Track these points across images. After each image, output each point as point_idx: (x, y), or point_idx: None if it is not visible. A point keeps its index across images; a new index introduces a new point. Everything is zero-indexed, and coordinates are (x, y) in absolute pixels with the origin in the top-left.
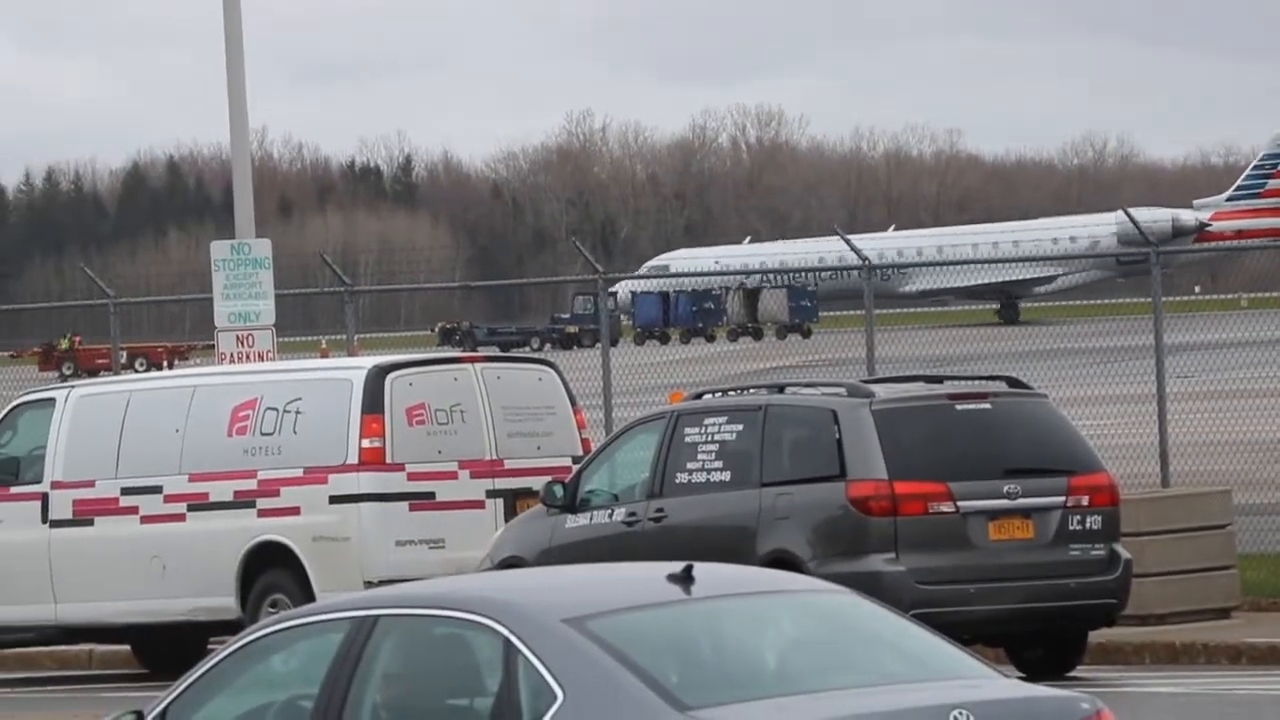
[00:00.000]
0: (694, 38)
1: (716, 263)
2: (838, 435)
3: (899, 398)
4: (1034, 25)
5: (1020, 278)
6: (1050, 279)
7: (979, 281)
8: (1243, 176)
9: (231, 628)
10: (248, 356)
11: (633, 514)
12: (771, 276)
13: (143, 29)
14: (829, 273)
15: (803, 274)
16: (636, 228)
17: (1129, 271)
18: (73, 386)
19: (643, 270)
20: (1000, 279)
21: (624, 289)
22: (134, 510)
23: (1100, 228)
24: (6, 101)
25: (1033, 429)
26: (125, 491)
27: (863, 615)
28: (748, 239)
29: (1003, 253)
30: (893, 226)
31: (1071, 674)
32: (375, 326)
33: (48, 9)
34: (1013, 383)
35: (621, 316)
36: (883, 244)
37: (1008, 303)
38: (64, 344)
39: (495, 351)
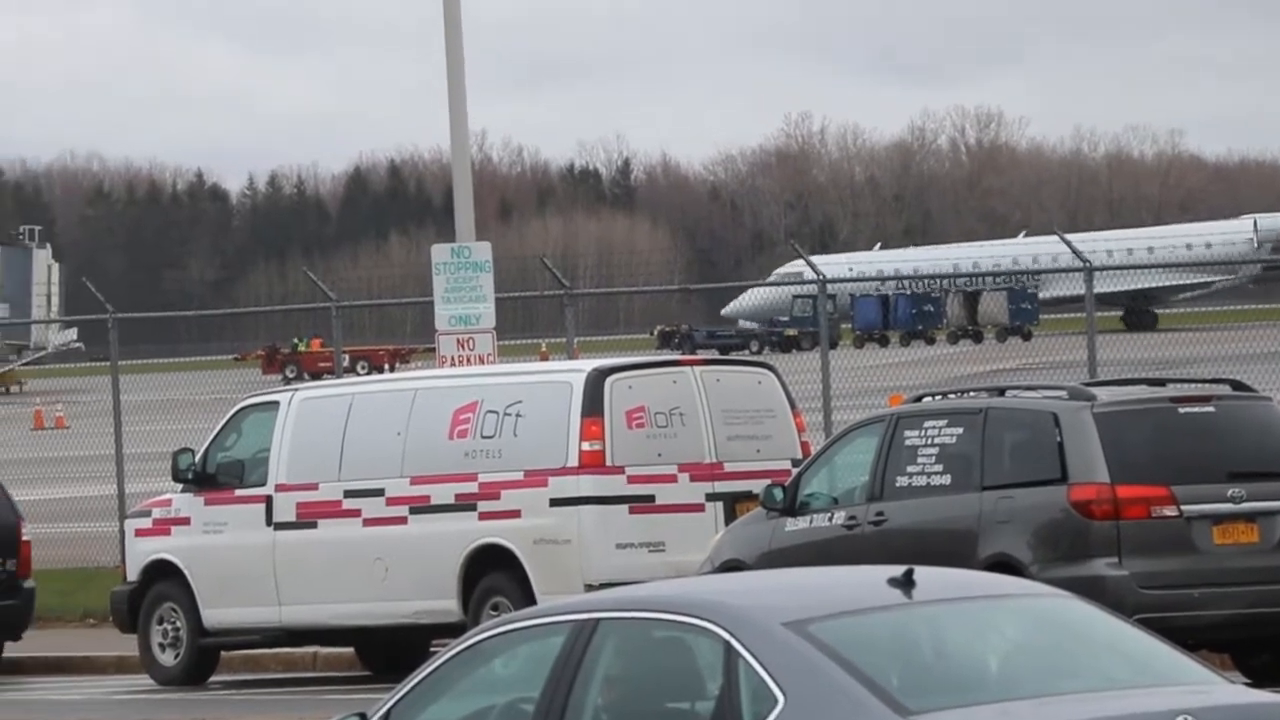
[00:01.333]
0: (913, 38)
1: (850, 269)
2: (1059, 438)
3: (1121, 400)
4: (1257, 23)
5: (1170, 283)
6: (1206, 284)
7: (1118, 288)
8: None
9: (453, 630)
10: (468, 360)
11: (852, 517)
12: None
13: (363, 33)
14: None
15: (964, 278)
16: (855, 230)
17: (1264, 278)
18: (296, 389)
19: (773, 277)
20: (1142, 285)
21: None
22: (357, 513)
23: (1238, 234)
24: (230, 107)
25: (1257, 432)
26: (348, 494)
27: (1085, 620)
28: (878, 245)
29: (1137, 259)
30: (1023, 232)
31: None
32: (595, 329)
33: (269, 14)
34: (1236, 385)
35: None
36: (1017, 250)
37: (1139, 310)
38: (300, 346)
39: (714, 354)
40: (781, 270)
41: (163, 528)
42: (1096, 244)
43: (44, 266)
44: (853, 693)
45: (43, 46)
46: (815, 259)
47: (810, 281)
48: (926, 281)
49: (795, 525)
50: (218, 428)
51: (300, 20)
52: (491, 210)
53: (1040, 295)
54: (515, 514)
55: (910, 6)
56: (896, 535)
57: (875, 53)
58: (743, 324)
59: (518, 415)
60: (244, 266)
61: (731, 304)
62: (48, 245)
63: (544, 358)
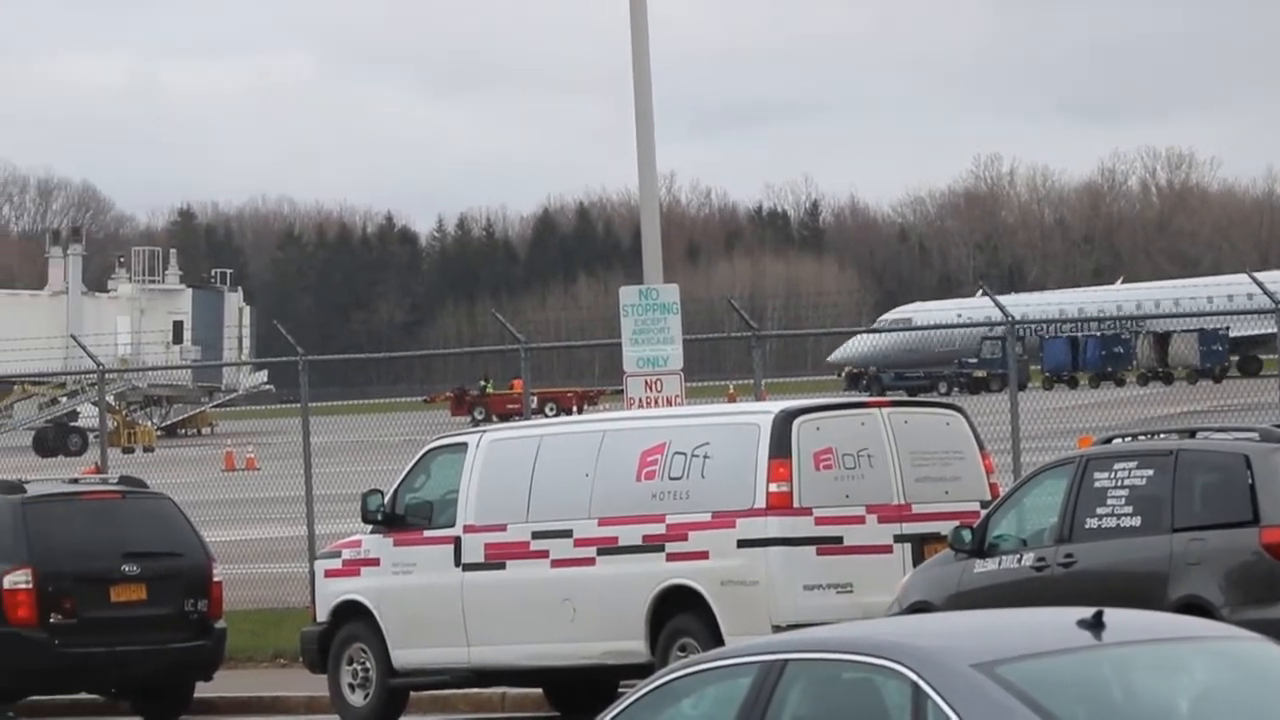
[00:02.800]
0: (1102, 80)
1: (959, 315)
2: (1250, 480)
3: None
4: None
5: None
6: None
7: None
8: None
9: (641, 671)
10: (656, 401)
11: (1041, 559)
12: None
13: (553, 75)
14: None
15: (1078, 323)
16: (1044, 272)
17: None
18: (484, 431)
19: (881, 322)
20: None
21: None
22: (545, 554)
23: None
24: (420, 149)
25: None
26: (536, 535)
27: (1277, 663)
28: (980, 290)
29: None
30: (1120, 279)
31: None
32: (782, 371)
33: (457, 57)
34: None
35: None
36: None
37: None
38: (489, 388)
39: (902, 396)
40: (887, 317)
41: (352, 569)
42: (1190, 290)
43: (235, 309)
44: None
45: (233, 91)
46: (921, 305)
47: (997, 324)
48: (1116, 323)
49: (984, 567)
50: (407, 469)
51: (489, 63)
52: (679, 252)
53: (1231, 334)
54: (703, 555)
55: (1100, 47)
56: (1086, 577)
57: (1064, 94)
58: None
59: (705, 456)
60: (433, 309)
61: (837, 352)
62: (239, 288)
63: (731, 399)
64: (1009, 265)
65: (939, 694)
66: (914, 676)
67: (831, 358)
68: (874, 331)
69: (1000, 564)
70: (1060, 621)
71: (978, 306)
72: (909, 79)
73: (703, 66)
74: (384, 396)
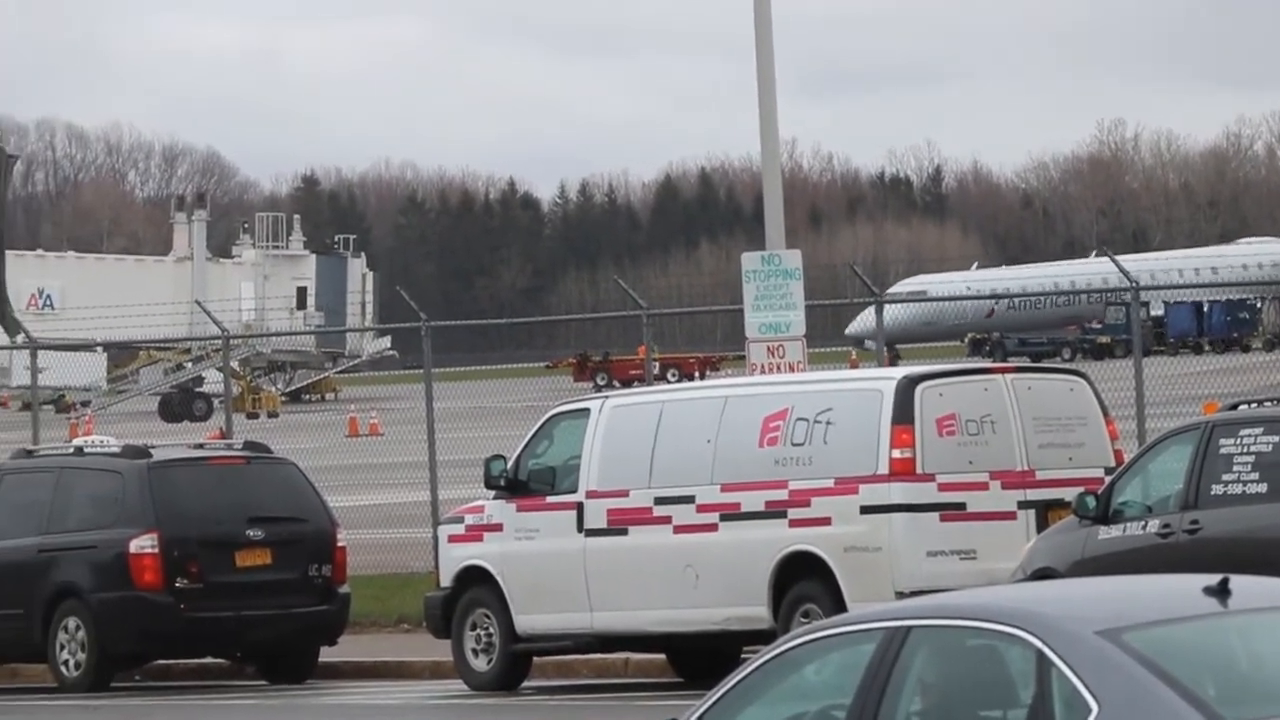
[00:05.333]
0: (1229, 43)
1: (968, 288)
2: None
3: None
4: None
5: None
6: None
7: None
8: None
9: (764, 637)
10: (778, 367)
11: (1167, 525)
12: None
13: (675, 38)
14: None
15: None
16: (1169, 237)
17: None
18: (607, 397)
19: (900, 292)
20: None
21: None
22: (667, 520)
23: None
24: (542, 114)
25: None
26: (658, 501)
27: None
28: (974, 264)
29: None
30: (1095, 251)
31: None
32: (904, 336)
33: (579, 21)
34: None
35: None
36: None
37: None
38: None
39: (1026, 362)
40: (894, 289)
41: (475, 534)
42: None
43: (358, 275)
44: (1168, 701)
45: (356, 56)
46: (934, 276)
47: (1119, 289)
48: (1239, 289)
49: (1108, 533)
50: (529, 435)
51: (611, 26)
52: (801, 218)
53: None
54: (826, 521)
55: (1226, 9)
56: (1211, 544)
57: (1189, 58)
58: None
59: (828, 423)
60: (555, 274)
61: (853, 323)
62: (362, 254)
63: (854, 365)
64: (1132, 230)
65: (1063, 660)
66: (1038, 643)
67: (849, 330)
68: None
69: (1125, 531)
70: (1186, 588)
71: (982, 279)
72: (1032, 42)
73: (824, 29)
74: (506, 362)
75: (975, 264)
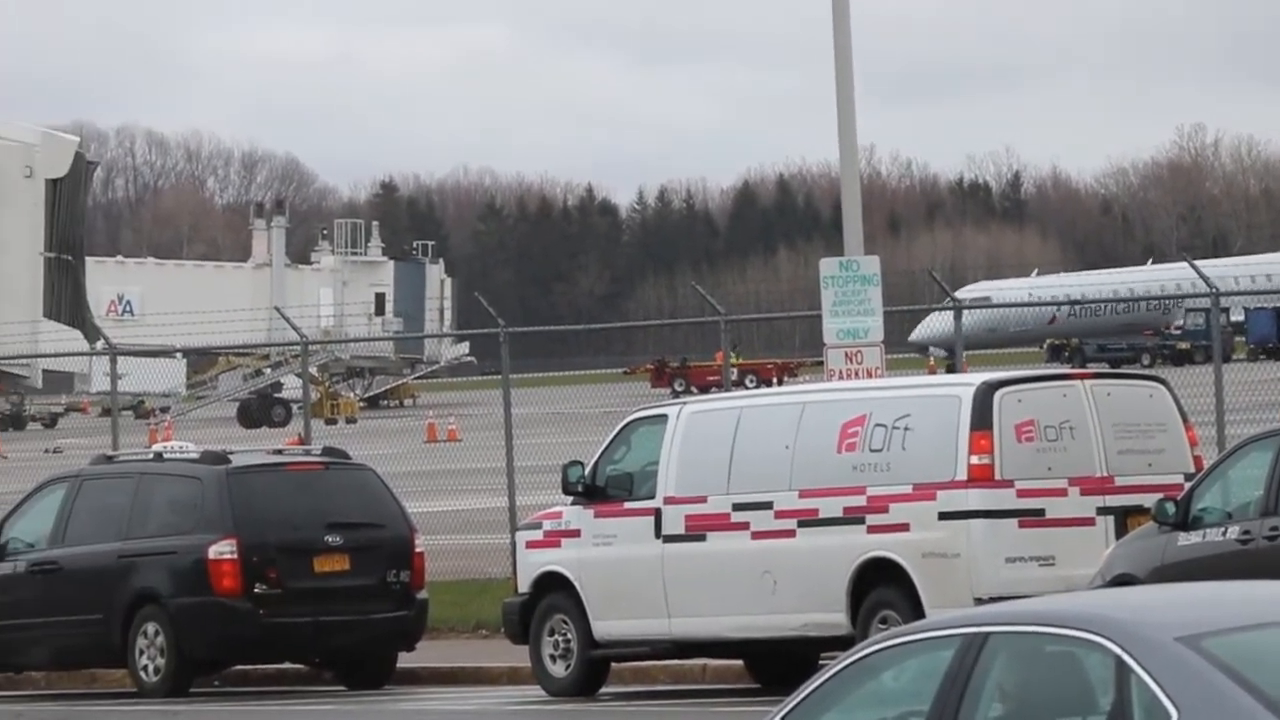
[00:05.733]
0: None
1: (1030, 294)
2: None
3: None
4: None
5: None
6: None
7: None
8: None
9: (842, 643)
10: (856, 373)
11: (1246, 532)
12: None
13: (753, 46)
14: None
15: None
16: (1250, 242)
17: None
18: (685, 403)
19: (964, 299)
20: None
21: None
22: (745, 526)
23: None
24: (621, 121)
25: None
26: (736, 507)
27: None
28: (1035, 271)
29: None
30: (1150, 259)
31: None
32: (984, 343)
33: (656, 27)
34: None
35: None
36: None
37: None
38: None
39: (1104, 368)
40: (960, 294)
41: (553, 540)
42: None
43: (437, 281)
44: (1248, 708)
45: (433, 63)
46: (999, 282)
47: (1200, 295)
48: None
49: (1188, 540)
50: (607, 441)
51: (690, 33)
52: (880, 224)
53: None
54: (904, 527)
55: None
56: None
57: (1270, 62)
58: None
59: (906, 428)
60: (633, 280)
61: (916, 330)
62: (440, 260)
63: (932, 371)
64: (1213, 236)
65: (1143, 667)
66: (1117, 649)
67: (913, 338)
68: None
69: (1204, 537)
70: (1266, 594)
71: (1044, 285)
72: (1110, 47)
73: (902, 34)
74: (584, 368)
75: (1035, 271)
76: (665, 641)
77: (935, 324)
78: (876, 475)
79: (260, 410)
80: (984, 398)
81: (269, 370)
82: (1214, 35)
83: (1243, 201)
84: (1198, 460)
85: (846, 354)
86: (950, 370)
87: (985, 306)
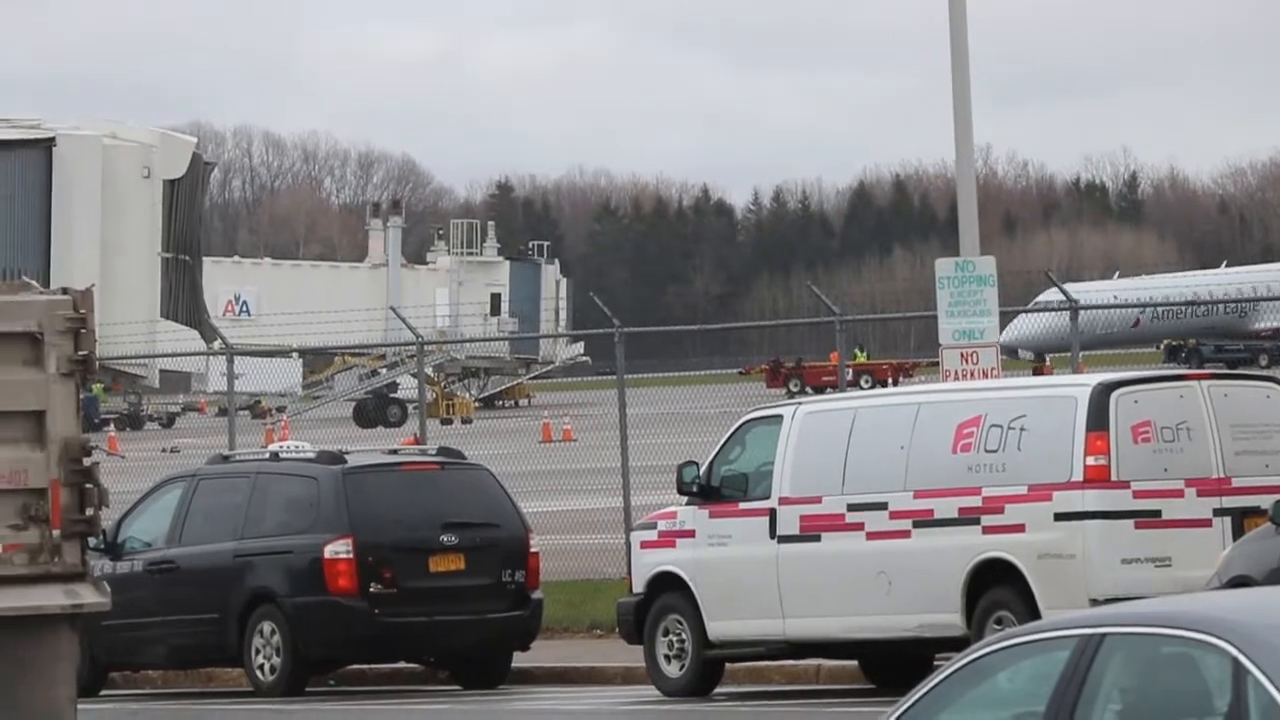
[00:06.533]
0: None
1: (1114, 297)
2: None
3: None
4: None
5: None
6: None
7: None
8: None
9: (956, 644)
10: (971, 374)
11: None
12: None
13: (868, 45)
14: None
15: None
16: None
17: None
18: (800, 403)
19: (1050, 301)
20: None
21: None
22: (860, 526)
23: None
24: (737, 121)
25: None
26: (851, 508)
27: None
28: (1116, 273)
29: None
30: (1225, 262)
31: None
32: (1099, 344)
33: (773, 27)
34: None
35: None
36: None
37: None
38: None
39: (1222, 368)
40: (1041, 298)
41: (668, 540)
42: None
43: (552, 282)
44: None
45: (551, 62)
46: (1087, 284)
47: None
48: None
49: None
50: (722, 441)
51: (805, 32)
52: (995, 224)
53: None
54: (1019, 528)
55: None
56: None
57: None
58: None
59: (1022, 429)
60: (748, 281)
61: (1005, 331)
62: (555, 261)
63: (1047, 372)
64: None
65: (1260, 669)
66: (1234, 651)
67: (1003, 341)
68: (1030, 311)
69: None
70: None
71: (1126, 288)
72: (1229, 45)
73: (1017, 33)
74: (699, 369)
75: (1116, 273)
76: (780, 642)
77: (1024, 326)
78: (992, 476)
79: (376, 410)
80: (1100, 398)
81: (384, 370)
82: None
83: None
84: None
85: (962, 354)
86: (1038, 372)
87: (1104, 307)
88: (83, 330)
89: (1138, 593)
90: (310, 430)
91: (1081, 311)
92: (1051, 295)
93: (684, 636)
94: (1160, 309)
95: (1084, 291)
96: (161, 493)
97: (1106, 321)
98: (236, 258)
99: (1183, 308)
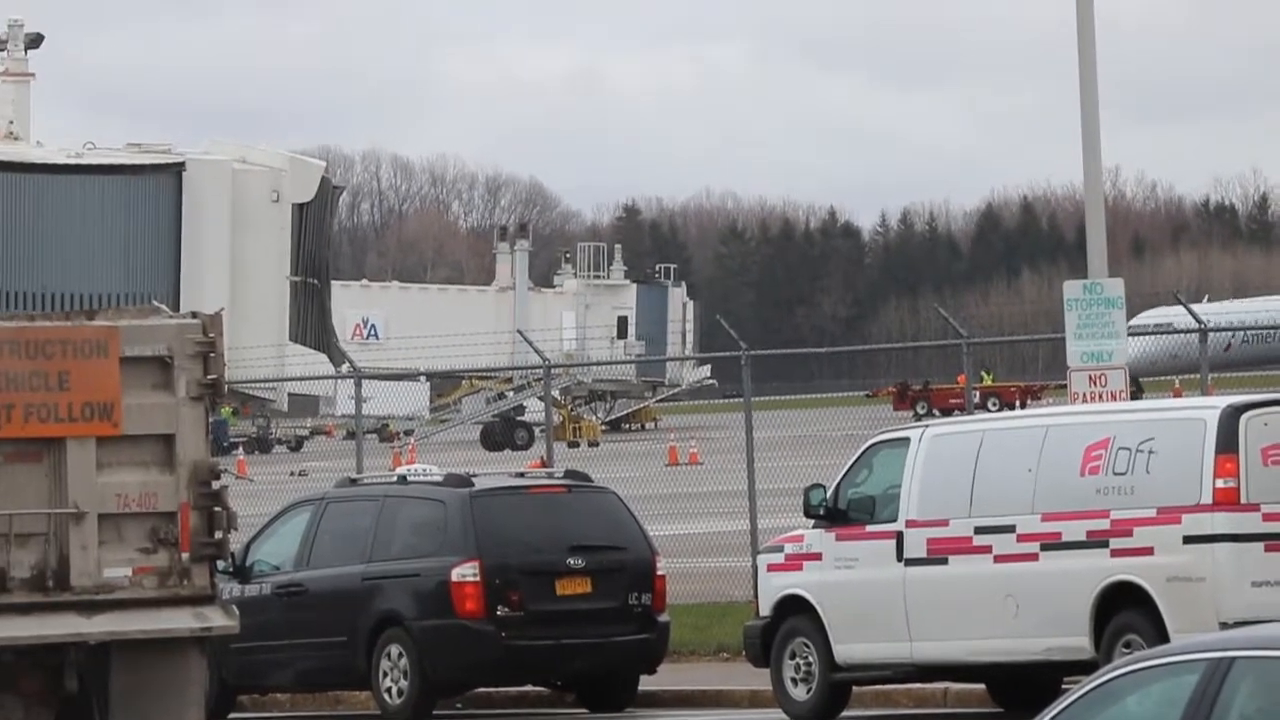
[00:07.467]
0: None
1: (1209, 321)
2: None
3: None
4: None
5: None
6: None
7: None
8: None
9: (1084, 668)
10: (1100, 396)
11: None
12: None
13: (996, 67)
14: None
15: None
16: None
17: None
18: (927, 426)
19: (1146, 325)
20: None
21: None
22: (987, 549)
23: None
24: (864, 143)
25: None
26: (979, 530)
27: None
28: (1205, 297)
29: None
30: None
31: None
32: (1234, 366)
33: (899, 48)
34: None
35: None
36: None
37: None
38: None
39: None
40: (1135, 321)
41: (795, 563)
42: None
43: (679, 304)
44: None
45: (674, 84)
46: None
47: None
48: None
49: None
50: (849, 464)
51: (931, 54)
52: (1124, 246)
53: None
54: (1148, 551)
55: None
56: None
57: None
58: None
59: (1150, 452)
60: (875, 303)
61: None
62: (682, 283)
63: (1177, 394)
64: None
65: None
66: None
67: None
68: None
69: None
70: None
71: (1216, 311)
72: None
73: (1146, 50)
74: (826, 391)
75: (1206, 297)
76: (907, 665)
77: (1130, 348)
78: (1120, 498)
79: (503, 433)
80: (1230, 421)
81: (511, 393)
82: None
83: None
84: None
85: (1090, 377)
86: (1135, 397)
87: (1233, 329)
88: (212, 354)
89: (1268, 616)
90: (437, 453)
91: (1179, 337)
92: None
93: (811, 660)
94: (1250, 333)
95: (1179, 316)
96: (289, 516)
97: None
98: (364, 281)
99: (1271, 332)
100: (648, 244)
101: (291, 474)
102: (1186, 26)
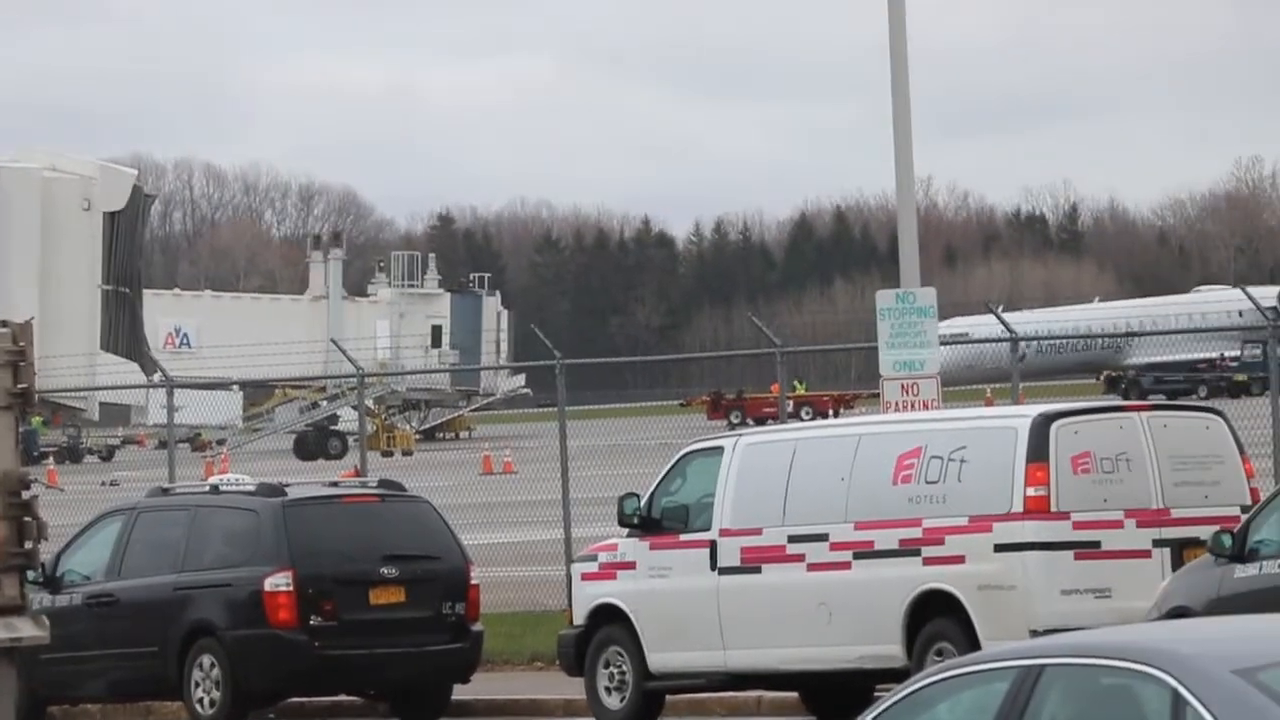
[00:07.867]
0: None
1: (1002, 330)
2: None
3: None
4: None
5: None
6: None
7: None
8: None
9: (897, 676)
10: (912, 405)
11: None
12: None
13: (808, 78)
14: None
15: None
16: None
17: None
18: (740, 435)
19: (944, 334)
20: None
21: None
22: (800, 558)
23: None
24: (677, 153)
25: None
26: (792, 539)
27: None
28: (999, 307)
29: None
30: (1097, 298)
31: None
32: (1038, 374)
33: (712, 60)
34: None
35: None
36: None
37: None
38: (730, 395)
39: (1161, 399)
40: (948, 323)
41: (609, 572)
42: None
43: (493, 313)
44: None
45: (488, 96)
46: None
47: (1256, 328)
48: None
49: (1244, 572)
50: (663, 473)
51: (744, 65)
52: (936, 256)
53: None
54: (959, 559)
55: None
56: None
57: None
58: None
59: (962, 460)
60: (689, 312)
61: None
62: (497, 292)
63: (989, 403)
64: (1270, 268)
65: (1199, 700)
66: (1173, 682)
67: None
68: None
69: (1261, 569)
70: None
71: (1013, 321)
72: (1168, 79)
73: (958, 66)
74: (640, 400)
75: (1000, 306)
76: (721, 673)
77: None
78: (932, 507)
79: (316, 443)
80: (1040, 429)
81: (325, 403)
82: (1272, 68)
83: None
84: (1254, 492)
85: (903, 386)
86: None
87: (1043, 339)
88: (22, 363)
89: (1077, 624)
90: (250, 463)
91: (975, 347)
92: (946, 328)
93: (625, 668)
94: (1043, 343)
95: (977, 325)
96: (101, 526)
97: (995, 356)
98: (177, 290)
99: (1065, 342)
100: (462, 253)
101: (103, 483)
102: (999, 39)
